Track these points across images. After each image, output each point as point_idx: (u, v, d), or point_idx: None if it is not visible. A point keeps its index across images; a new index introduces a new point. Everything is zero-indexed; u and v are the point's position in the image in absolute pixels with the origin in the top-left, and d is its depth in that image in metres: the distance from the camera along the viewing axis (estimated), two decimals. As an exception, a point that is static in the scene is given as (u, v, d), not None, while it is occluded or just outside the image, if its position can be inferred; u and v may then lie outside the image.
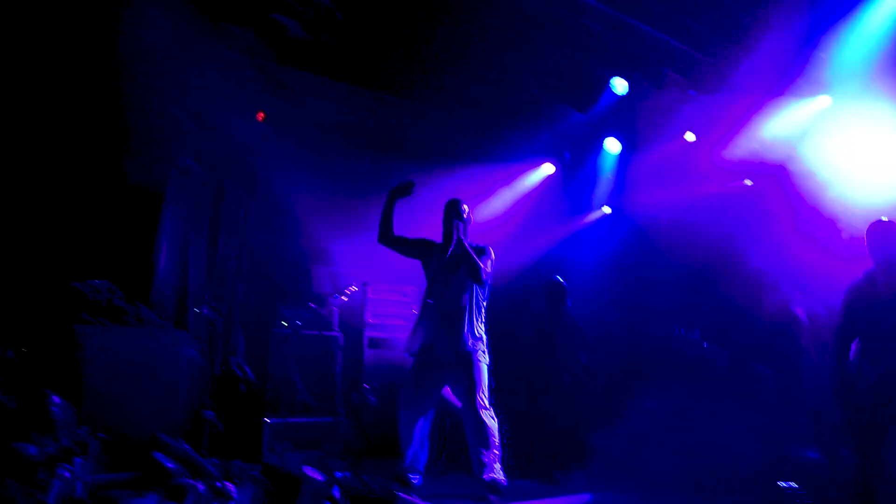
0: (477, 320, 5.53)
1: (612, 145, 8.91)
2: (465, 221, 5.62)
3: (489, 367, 5.50)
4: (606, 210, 9.39)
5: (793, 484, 5.55)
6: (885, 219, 4.38)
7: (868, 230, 4.37)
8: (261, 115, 7.78)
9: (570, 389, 6.86)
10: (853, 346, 4.42)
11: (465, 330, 5.45)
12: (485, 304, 5.64)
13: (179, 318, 7.14)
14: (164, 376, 6.27)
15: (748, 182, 7.80)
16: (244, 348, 7.74)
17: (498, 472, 5.34)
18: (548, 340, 7.01)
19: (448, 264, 5.54)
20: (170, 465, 4.91)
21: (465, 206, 5.69)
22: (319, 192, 8.05)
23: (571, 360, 6.95)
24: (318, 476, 4.90)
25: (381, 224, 5.68)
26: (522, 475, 6.06)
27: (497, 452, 5.38)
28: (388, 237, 5.67)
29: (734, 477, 5.85)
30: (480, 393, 5.38)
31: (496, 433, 5.39)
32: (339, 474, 5.41)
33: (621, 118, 8.29)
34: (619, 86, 7.58)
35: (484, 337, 5.57)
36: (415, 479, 5.52)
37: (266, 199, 7.95)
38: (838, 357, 4.43)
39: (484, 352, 5.52)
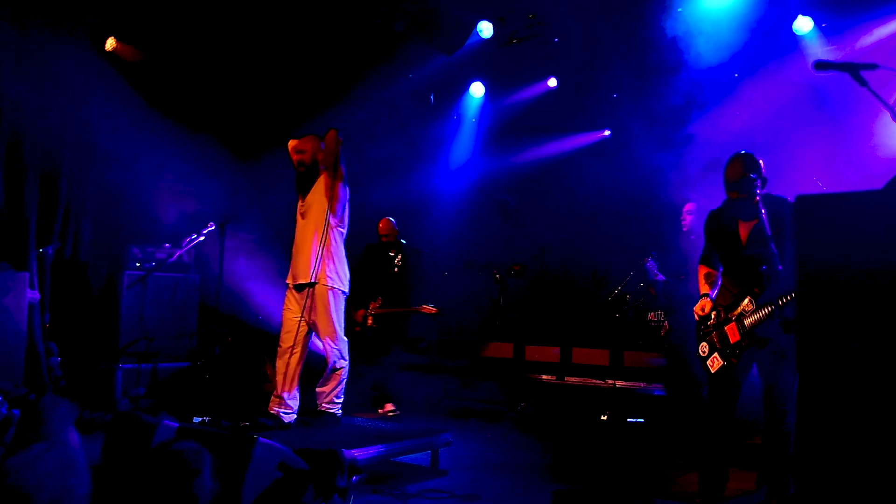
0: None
1: (477, 89, 8.94)
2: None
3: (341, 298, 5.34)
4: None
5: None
6: (742, 152, 4.49)
7: (726, 163, 4.49)
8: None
9: None
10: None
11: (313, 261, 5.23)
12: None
13: (20, 258, 6.68)
14: (4, 321, 5.90)
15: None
16: (94, 291, 7.36)
17: (331, 405, 5.25)
18: None
19: None
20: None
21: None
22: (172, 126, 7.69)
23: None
24: (173, 423, 4.76)
25: None
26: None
27: (327, 388, 5.30)
28: None
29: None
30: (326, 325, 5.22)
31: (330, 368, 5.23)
32: (196, 419, 5.29)
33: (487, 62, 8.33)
34: (486, 29, 7.55)
35: (335, 267, 5.28)
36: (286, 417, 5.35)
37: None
38: (699, 284, 4.63)
39: (332, 282, 5.27)
